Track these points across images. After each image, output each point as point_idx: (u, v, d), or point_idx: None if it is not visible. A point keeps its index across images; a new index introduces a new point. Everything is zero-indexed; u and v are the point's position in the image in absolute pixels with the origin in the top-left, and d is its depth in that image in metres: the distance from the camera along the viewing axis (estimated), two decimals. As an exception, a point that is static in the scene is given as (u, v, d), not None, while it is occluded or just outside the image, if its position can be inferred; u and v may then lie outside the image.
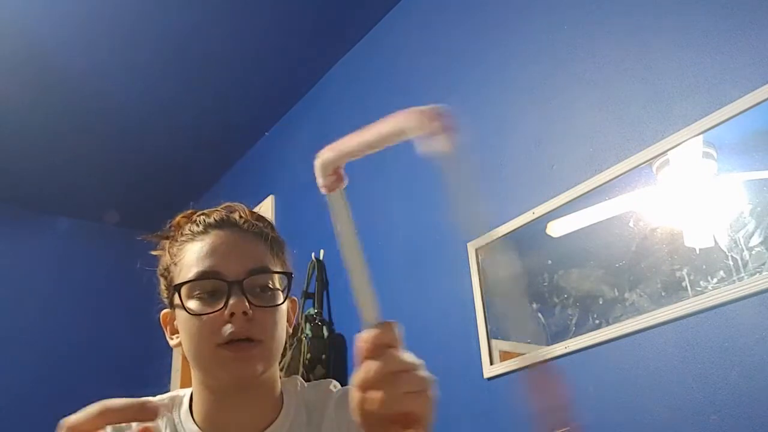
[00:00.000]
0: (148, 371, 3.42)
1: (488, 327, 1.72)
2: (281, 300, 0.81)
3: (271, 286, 0.81)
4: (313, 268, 2.46)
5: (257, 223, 0.85)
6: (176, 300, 0.80)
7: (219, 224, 0.82)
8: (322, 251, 2.49)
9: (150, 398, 0.87)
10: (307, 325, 2.26)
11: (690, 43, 1.44)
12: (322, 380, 0.92)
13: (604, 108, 1.60)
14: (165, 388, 3.38)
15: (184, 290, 0.79)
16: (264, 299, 0.80)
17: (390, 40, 2.46)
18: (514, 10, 1.93)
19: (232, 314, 0.76)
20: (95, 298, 3.49)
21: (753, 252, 1.23)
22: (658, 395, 1.32)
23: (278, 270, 0.83)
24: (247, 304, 0.76)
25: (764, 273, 1.20)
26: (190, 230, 0.83)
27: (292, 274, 0.86)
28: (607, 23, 1.64)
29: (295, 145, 2.87)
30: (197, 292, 0.78)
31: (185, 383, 3.27)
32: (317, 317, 2.31)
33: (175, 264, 0.82)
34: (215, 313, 0.76)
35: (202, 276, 0.78)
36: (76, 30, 2.44)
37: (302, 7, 2.43)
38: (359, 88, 2.56)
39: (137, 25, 2.45)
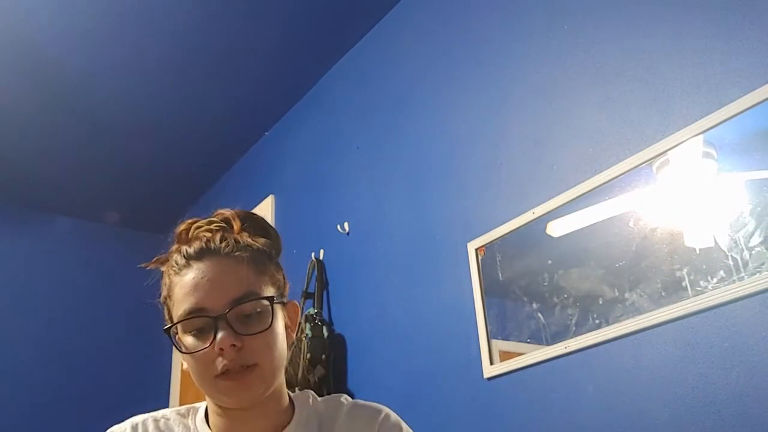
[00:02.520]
0: (147, 371, 3.43)
1: (488, 327, 1.72)
2: (269, 323, 0.82)
3: (259, 309, 0.82)
4: (313, 268, 2.45)
5: (238, 244, 0.86)
6: (173, 338, 0.84)
7: (199, 255, 0.84)
8: (322, 251, 2.49)
9: (169, 409, 0.92)
10: (307, 325, 2.26)
11: (690, 43, 1.44)
12: (333, 394, 0.96)
13: (604, 108, 1.60)
14: (164, 388, 3.38)
15: (178, 328, 0.83)
16: (252, 325, 0.81)
17: (390, 40, 2.46)
18: (514, 10, 1.93)
19: (221, 349, 0.79)
20: (95, 298, 3.49)
21: (753, 252, 1.23)
22: (658, 395, 1.32)
23: (263, 295, 0.84)
24: (233, 336, 0.79)
25: (764, 273, 1.20)
26: (176, 262, 0.85)
27: (283, 285, 0.90)
28: (607, 23, 1.64)
29: (295, 145, 2.87)
30: (189, 329, 0.82)
31: (185, 381, 3.27)
32: (317, 317, 2.31)
33: (170, 297, 0.85)
34: (207, 349, 0.79)
35: (188, 315, 0.81)
36: (77, 31, 2.44)
37: (302, 7, 2.43)
38: (359, 88, 2.56)
39: (137, 26, 2.45)
